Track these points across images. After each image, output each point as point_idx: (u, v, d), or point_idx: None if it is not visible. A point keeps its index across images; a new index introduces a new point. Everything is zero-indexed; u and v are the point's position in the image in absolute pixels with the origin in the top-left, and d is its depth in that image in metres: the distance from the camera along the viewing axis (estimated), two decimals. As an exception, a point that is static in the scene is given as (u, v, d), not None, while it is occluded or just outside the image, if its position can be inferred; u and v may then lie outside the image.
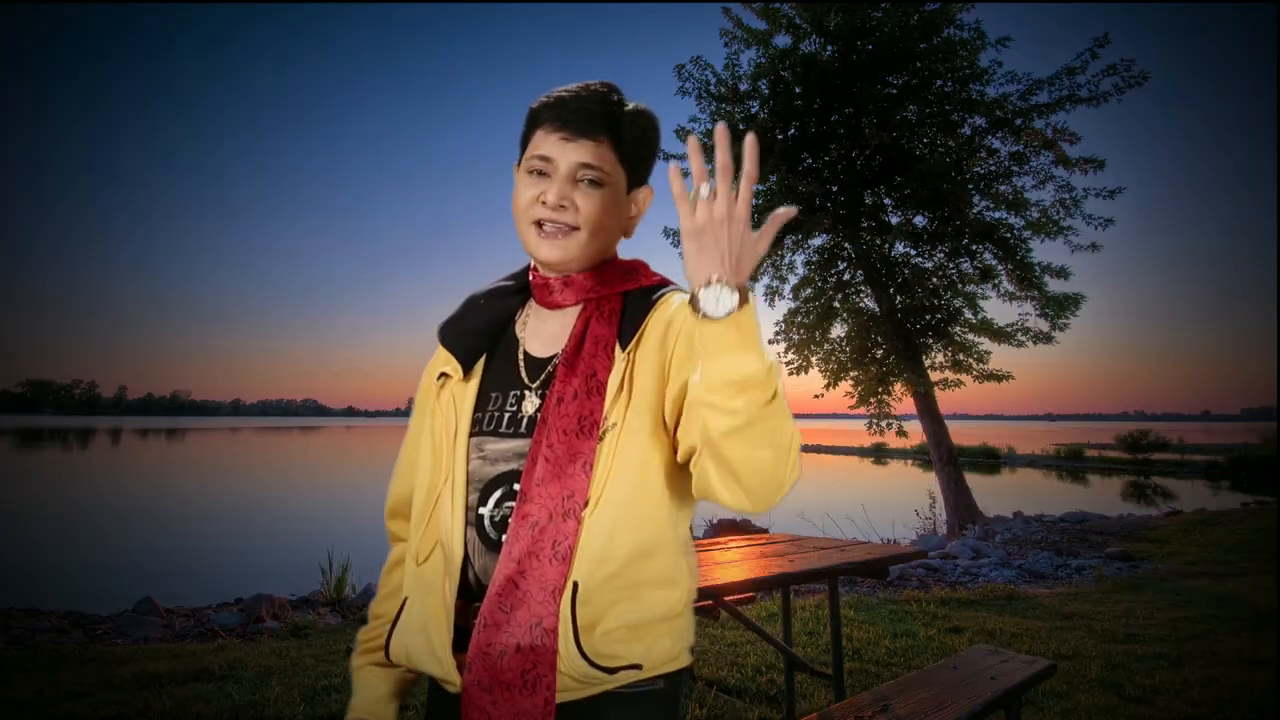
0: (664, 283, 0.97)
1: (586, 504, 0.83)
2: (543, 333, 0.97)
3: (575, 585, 0.82)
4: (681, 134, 10.10)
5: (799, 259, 10.85)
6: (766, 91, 9.67)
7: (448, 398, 0.97)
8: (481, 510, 0.89)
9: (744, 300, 0.69)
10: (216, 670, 3.48)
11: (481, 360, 0.98)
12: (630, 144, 0.92)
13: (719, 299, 0.69)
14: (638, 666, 0.85)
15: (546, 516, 0.83)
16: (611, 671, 0.83)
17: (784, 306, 10.97)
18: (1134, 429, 27.59)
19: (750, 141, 0.66)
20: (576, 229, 0.91)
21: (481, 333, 0.98)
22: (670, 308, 0.92)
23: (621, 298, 0.95)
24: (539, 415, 0.88)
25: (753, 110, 9.73)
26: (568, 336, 0.94)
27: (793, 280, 10.87)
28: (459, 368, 0.96)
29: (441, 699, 0.94)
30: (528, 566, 0.82)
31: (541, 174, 0.91)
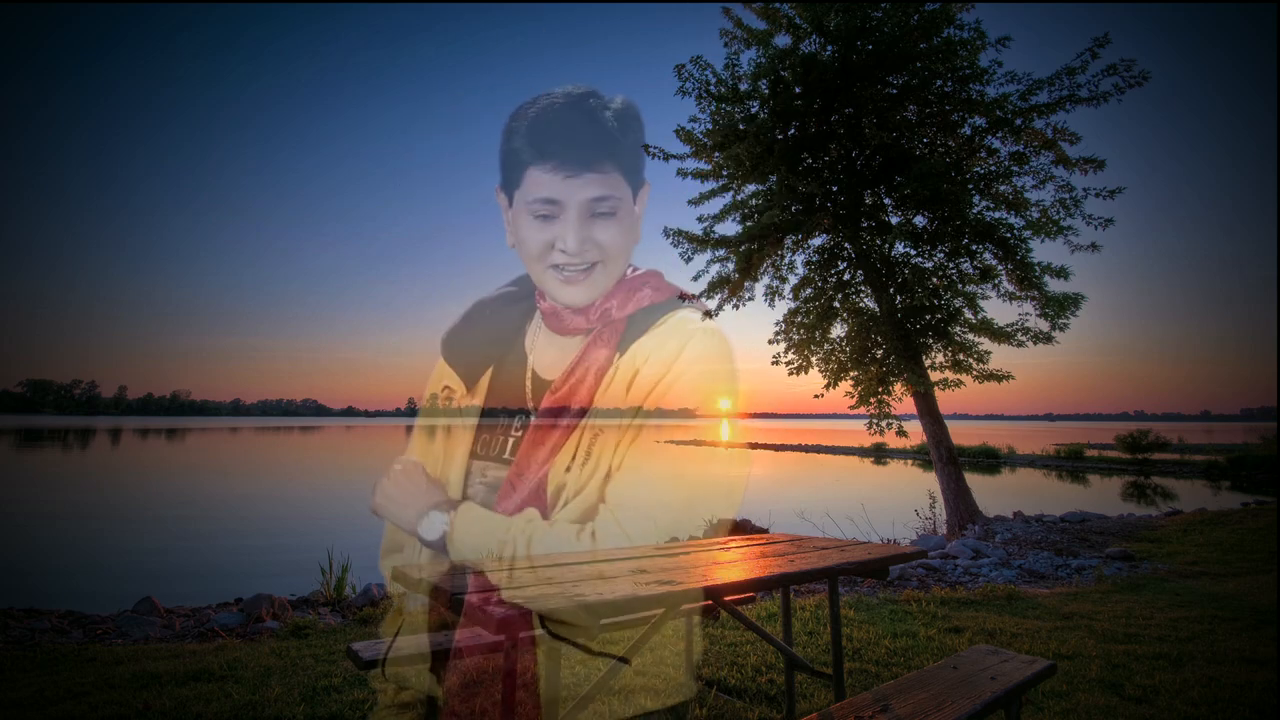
0: (671, 298, 0.96)
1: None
2: (552, 353, 0.97)
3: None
4: (682, 134, 10.11)
5: (799, 259, 10.88)
6: (766, 91, 9.66)
7: (454, 413, 0.96)
8: None
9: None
10: (216, 670, 3.49)
11: (488, 374, 0.97)
12: (629, 156, 0.88)
13: (433, 526, 0.74)
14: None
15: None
16: None
17: (784, 306, 11.02)
18: (1134, 429, 27.56)
19: None
20: (598, 263, 0.88)
21: (487, 345, 0.97)
22: (653, 343, 0.91)
23: (626, 320, 0.94)
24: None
25: (752, 110, 9.73)
26: (570, 360, 0.93)
27: (793, 280, 10.90)
28: (461, 384, 0.95)
29: None
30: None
31: (548, 216, 0.88)
